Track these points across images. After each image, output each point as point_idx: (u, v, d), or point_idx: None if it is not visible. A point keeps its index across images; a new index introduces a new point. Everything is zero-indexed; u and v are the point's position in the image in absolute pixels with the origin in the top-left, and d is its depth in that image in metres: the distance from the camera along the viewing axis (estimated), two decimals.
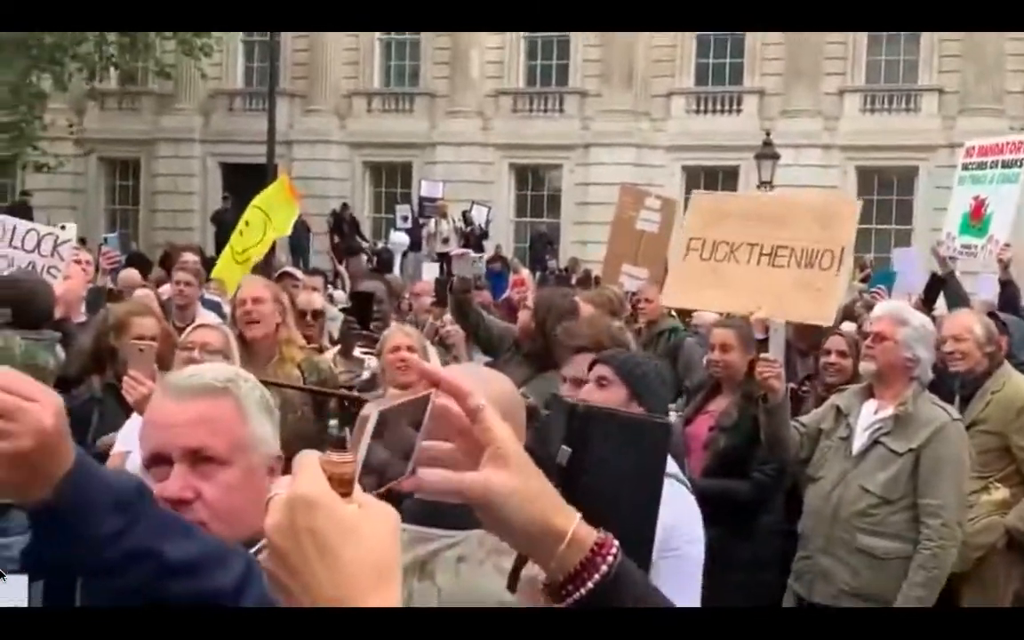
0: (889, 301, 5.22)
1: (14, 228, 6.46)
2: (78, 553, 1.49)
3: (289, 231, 12.04)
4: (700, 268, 5.88)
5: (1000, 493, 5.10)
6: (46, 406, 1.41)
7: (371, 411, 1.12)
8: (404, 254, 22.71)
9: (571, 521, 1.25)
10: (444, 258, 21.28)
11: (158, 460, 1.87)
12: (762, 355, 4.64)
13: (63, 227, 7.74)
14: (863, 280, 21.07)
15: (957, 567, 4.77)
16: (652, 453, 1.40)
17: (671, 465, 3.41)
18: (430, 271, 14.54)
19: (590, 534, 1.26)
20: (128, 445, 4.14)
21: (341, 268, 14.21)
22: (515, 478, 1.23)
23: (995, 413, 5.12)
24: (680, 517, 2.96)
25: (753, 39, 28.74)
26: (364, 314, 5.61)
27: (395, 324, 5.74)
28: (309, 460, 1.05)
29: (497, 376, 2.22)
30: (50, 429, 1.41)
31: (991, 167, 7.10)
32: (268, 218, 10.25)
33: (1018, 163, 6.95)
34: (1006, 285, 7.07)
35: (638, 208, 10.68)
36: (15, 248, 6.34)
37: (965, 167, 7.43)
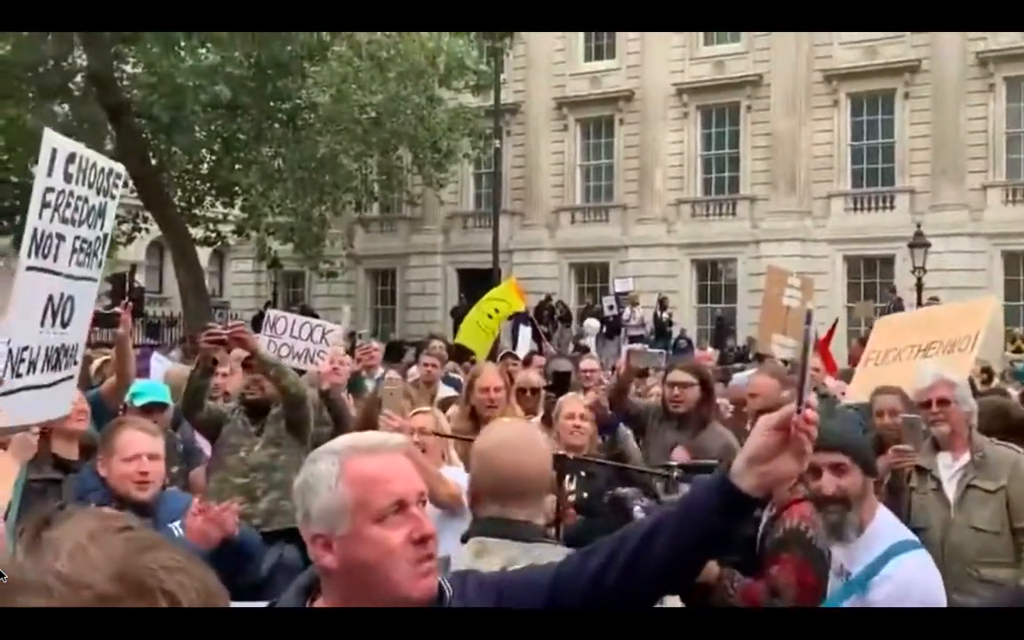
0: (929, 368, 4.82)
1: (294, 321, 6.72)
2: (738, 531, 1.64)
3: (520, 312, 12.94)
4: (874, 372, 6.20)
5: None
6: None
7: None
8: (597, 336, 22.55)
9: None
10: (639, 340, 21.11)
11: (400, 506, 1.71)
12: (896, 447, 4.40)
13: (338, 323, 8.07)
14: (1015, 351, 19.41)
15: None
16: None
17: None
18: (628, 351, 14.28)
19: None
20: None
21: (548, 347, 14.34)
22: None
23: None
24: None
25: (902, 145, 27.58)
26: (562, 389, 5.48)
27: (570, 395, 5.57)
28: None
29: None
30: None
31: None
32: (507, 305, 11.53)
33: None
34: None
35: (783, 286, 10.42)
36: (295, 338, 6.58)
37: None
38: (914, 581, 3.00)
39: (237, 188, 22.67)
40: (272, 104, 21.15)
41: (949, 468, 4.29)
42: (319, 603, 1.69)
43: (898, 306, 20.55)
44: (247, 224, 23.19)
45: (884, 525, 3.19)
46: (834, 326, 13.18)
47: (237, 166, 22.34)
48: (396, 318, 33.74)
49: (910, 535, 3.25)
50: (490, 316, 11.20)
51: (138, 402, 5.18)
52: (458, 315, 25.30)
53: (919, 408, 4.45)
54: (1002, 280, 26.06)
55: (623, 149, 30.99)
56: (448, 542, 4.18)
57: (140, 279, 30.47)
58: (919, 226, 23.31)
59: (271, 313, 7.23)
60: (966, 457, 4.23)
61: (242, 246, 27.93)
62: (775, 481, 1.70)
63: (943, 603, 3.03)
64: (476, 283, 24.54)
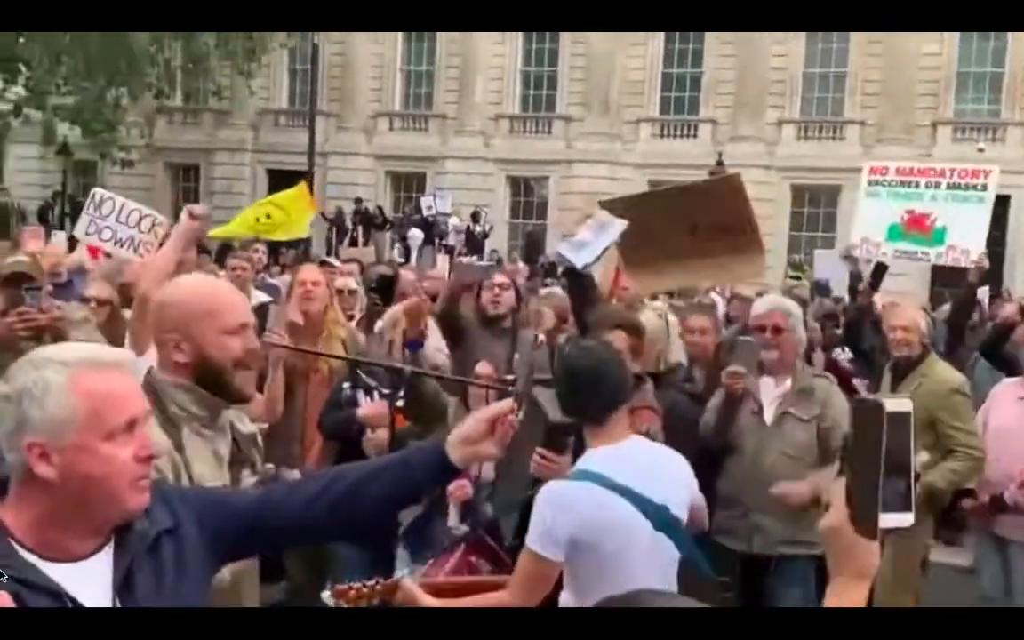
0: (769, 295, 4.95)
1: (122, 205, 6.24)
2: None
3: (307, 232, 12.08)
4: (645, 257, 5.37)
5: (923, 456, 4.96)
6: None
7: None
8: (419, 247, 22.45)
9: None
10: (451, 250, 21.15)
11: (130, 425, 1.67)
12: (730, 368, 4.30)
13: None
14: (794, 277, 21.01)
15: None
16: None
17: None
18: (442, 261, 14.33)
19: None
20: None
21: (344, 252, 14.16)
22: None
23: (925, 393, 4.97)
24: None
25: (709, 76, 28.69)
26: (387, 294, 5.36)
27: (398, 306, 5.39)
28: None
29: None
30: None
31: (929, 186, 6.76)
32: (288, 217, 10.30)
33: (976, 186, 6.67)
34: (971, 286, 6.60)
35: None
36: (120, 223, 6.14)
37: (877, 183, 7.08)
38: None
39: (21, 64, 20.60)
40: None
41: (770, 393, 4.35)
42: (6, 508, 1.62)
43: None
44: (28, 103, 21.18)
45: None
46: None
47: (20, 39, 20.23)
48: None
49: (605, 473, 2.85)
50: (258, 220, 10.39)
51: None
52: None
53: (753, 331, 4.48)
54: (788, 211, 28.01)
55: (444, 56, 30.53)
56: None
57: None
58: (720, 155, 24.52)
59: (98, 192, 6.63)
60: (788, 384, 4.30)
61: (27, 128, 25.49)
62: (478, 459, 2.04)
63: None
64: (288, 184, 23.57)
